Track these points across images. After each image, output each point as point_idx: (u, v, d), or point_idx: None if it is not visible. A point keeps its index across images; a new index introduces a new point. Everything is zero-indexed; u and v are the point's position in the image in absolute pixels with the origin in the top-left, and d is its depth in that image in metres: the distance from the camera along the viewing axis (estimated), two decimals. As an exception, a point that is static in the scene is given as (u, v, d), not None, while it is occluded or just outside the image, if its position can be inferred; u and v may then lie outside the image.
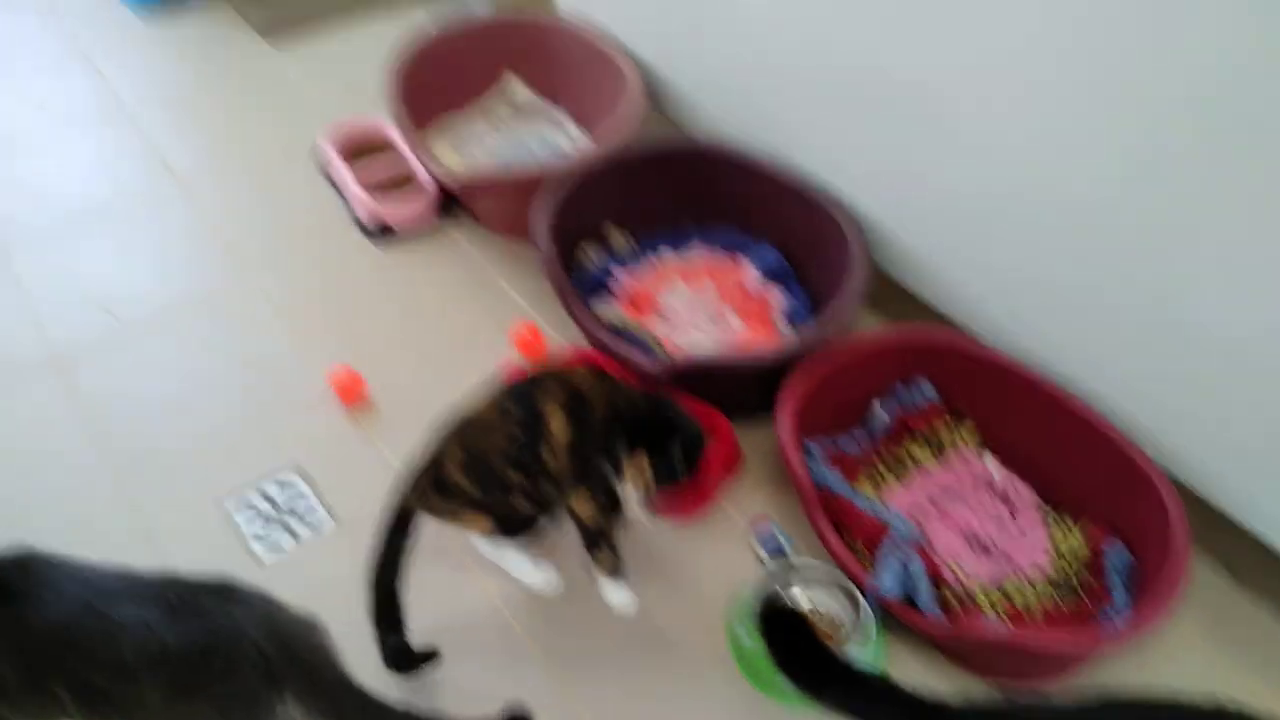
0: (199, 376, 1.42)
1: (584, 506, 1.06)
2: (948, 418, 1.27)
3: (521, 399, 1.03)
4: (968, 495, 1.21)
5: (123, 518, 1.24)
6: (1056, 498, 1.20)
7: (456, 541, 1.16)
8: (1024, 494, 1.20)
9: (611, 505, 1.06)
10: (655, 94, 1.66)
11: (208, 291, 1.54)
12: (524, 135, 1.74)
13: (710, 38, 1.51)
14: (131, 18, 2.12)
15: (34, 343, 1.46)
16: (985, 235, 1.23)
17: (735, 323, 1.42)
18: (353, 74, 1.93)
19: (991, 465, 1.23)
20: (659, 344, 1.38)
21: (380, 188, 1.63)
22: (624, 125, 1.54)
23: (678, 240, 1.52)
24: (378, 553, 1.04)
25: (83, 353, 1.44)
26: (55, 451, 1.32)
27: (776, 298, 1.44)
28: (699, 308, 1.44)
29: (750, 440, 1.28)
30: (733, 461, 1.26)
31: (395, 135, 1.70)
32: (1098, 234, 1.09)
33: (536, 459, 1.02)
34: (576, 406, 1.02)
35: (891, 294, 1.40)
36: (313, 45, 2.04)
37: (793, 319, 1.42)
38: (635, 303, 1.45)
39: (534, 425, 1.01)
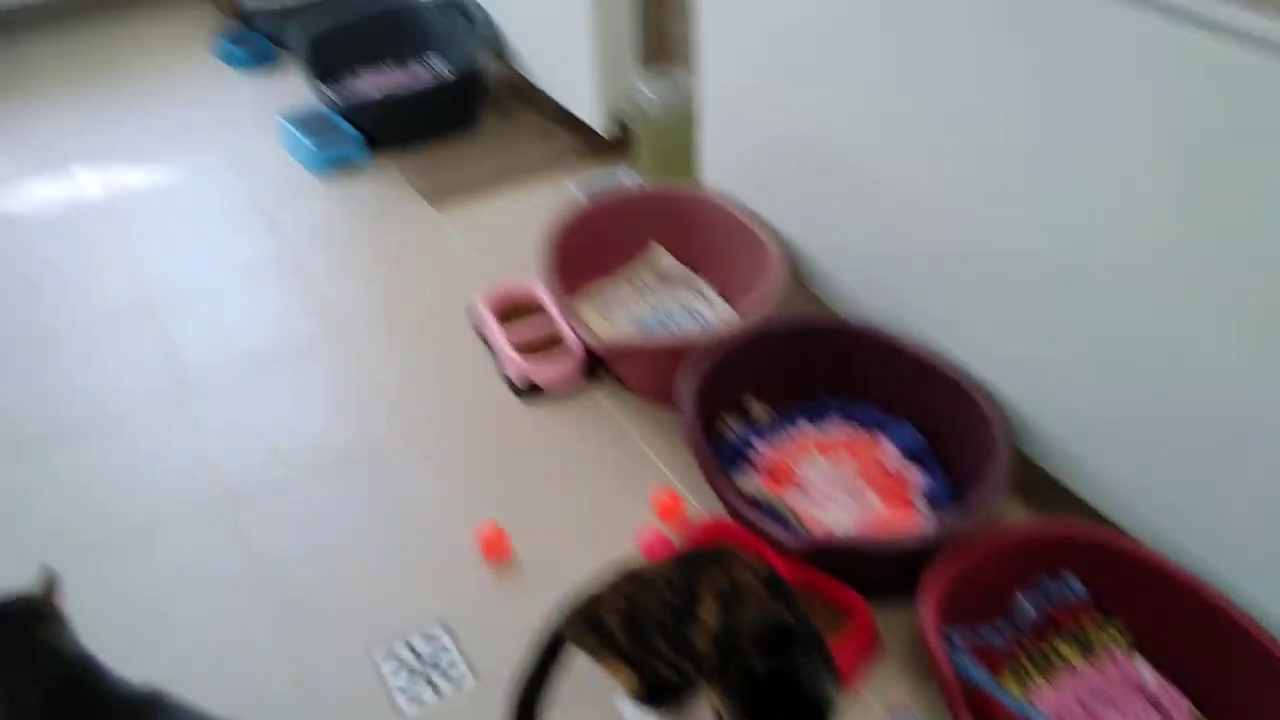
0: (353, 523, 1.49)
1: (721, 703, 1.06)
2: (1096, 615, 1.24)
3: (686, 570, 1.05)
4: (1118, 699, 1.17)
5: (273, 657, 1.30)
6: (1213, 708, 1.15)
7: (597, 698, 1.17)
8: (1179, 702, 1.16)
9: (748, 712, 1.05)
10: (797, 268, 1.71)
11: (365, 440, 1.63)
12: (668, 304, 1.81)
13: (851, 217, 1.57)
14: (309, 178, 2.31)
15: (207, 481, 1.56)
16: (1137, 431, 1.22)
17: (874, 500, 1.43)
18: (507, 238, 2.06)
19: (1143, 669, 1.19)
20: (797, 518, 1.39)
21: (530, 348, 1.72)
22: (766, 299, 1.60)
23: (816, 414, 1.55)
24: (525, 672, 1.07)
25: (250, 494, 1.54)
26: (216, 588, 1.40)
27: (916, 477, 1.45)
28: (837, 482, 1.45)
29: (888, 623, 1.27)
30: (870, 646, 1.25)
31: (546, 299, 1.79)
32: (1261, 425, 1.08)
33: (683, 636, 1.04)
34: (733, 601, 1.03)
35: (1037, 481, 1.39)
36: (472, 209, 2.18)
37: (932, 500, 1.42)
38: (774, 474, 1.48)
39: (687, 603, 1.03)
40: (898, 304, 1.54)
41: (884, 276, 1.55)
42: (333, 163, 2.32)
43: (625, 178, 2.11)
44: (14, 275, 2.02)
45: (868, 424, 1.53)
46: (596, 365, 1.71)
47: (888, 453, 1.48)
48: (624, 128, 2.18)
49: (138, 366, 1.79)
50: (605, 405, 1.67)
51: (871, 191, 1.50)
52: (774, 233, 1.72)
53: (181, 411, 1.69)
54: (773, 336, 1.56)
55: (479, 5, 2.49)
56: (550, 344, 1.73)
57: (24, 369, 1.80)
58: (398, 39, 2.63)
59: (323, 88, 2.40)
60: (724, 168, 1.83)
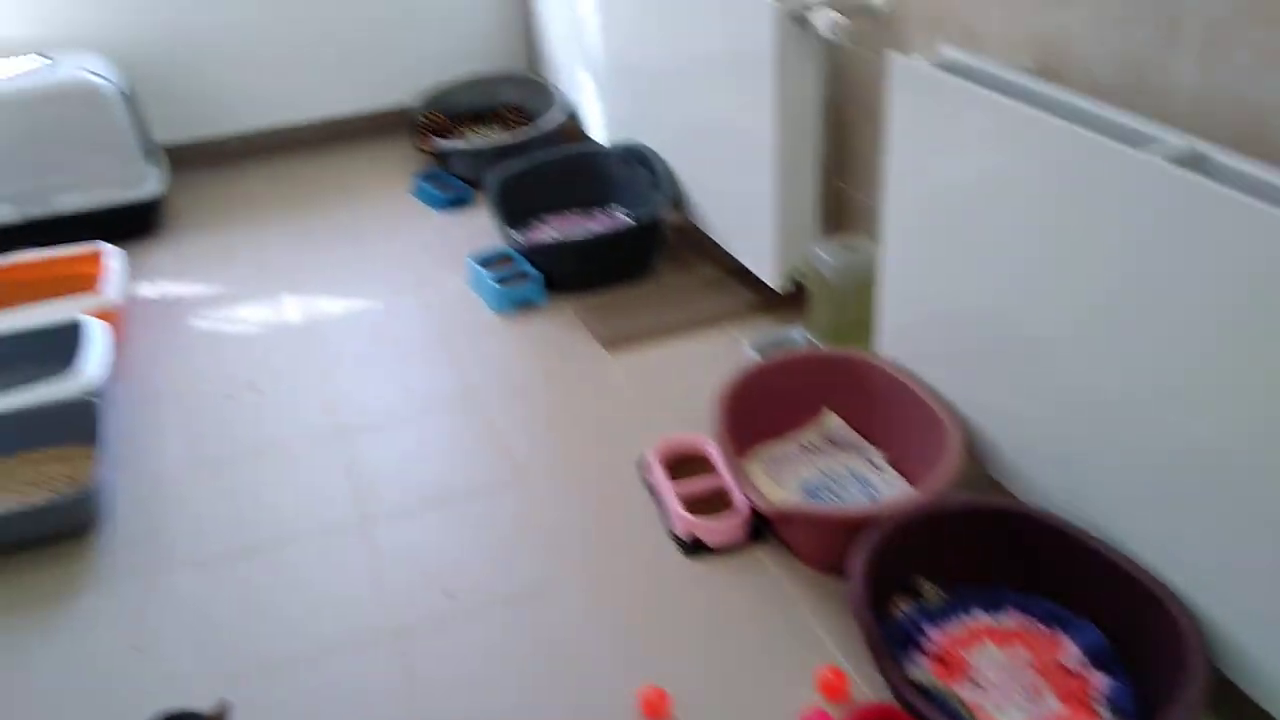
0: (516, 670, 1.51)
1: None
2: None
3: None
4: None
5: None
6: None
7: None
8: None
9: None
10: (974, 446, 1.69)
11: (532, 585, 1.66)
12: (838, 469, 1.81)
13: (1034, 400, 1.54)
14: (491, 316, 2.42)
15: (381, 613, 1.62)
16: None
17: (1052, 702, 1.36)
18: (677, 387, 2.10)
19: None
20: (969, 713, 1.34)
21: (697, 505, 1.73)
22: (942, 476, 1.58)
23: (991, 603, 1.51)
24: None
25: (418, 629, 1.58)
26: (384, 725, 1.44)
27: (1098, 681, 1.38)
28: (1012, 678, 1.40)
29: (1067, 842, 1.20)
30: None
31: (715, 455, 1.82)
32: None
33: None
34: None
35: (1232, 698, 1.30)
36: (644, 355, 2.24)
37: (1115, 707, 1.34)
38: (944, 661, 1.43)
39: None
40: (1082, 494, 1.49)
41: (1068, 464, 1.51)
42: (514, 303, 2.43)
43: (798, 337, 2.14)
44: (221, 395, 2.18)
45: (1046, 619, 1.47)
46: (762, 526, 1.71)
47: (1068, 652, 1.42)
48: (798, 285, 2.22)
49: (323, 490, 1.89)
50: (771, 569, 1.66)
51: (1056, 376, 1.48)
52: (951, 408, 1.71)
53: (360, 539, 1.77)
54: (947, 516, 1.53)
55: (660, 158, 2.61)
56: (717, 501, 1.75)
57: (224, 486, 1.92)
58: (582, 186, 2.77)
59: (509, 230, 2.54)
60: (902, 338, 1.83)
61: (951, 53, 1.60)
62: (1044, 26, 1.57)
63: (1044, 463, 1.56)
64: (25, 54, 2.86)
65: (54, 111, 2.66)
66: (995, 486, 1.68)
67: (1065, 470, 1.52)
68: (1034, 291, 1.49)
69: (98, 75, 2.72)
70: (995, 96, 1.44)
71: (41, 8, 2.94)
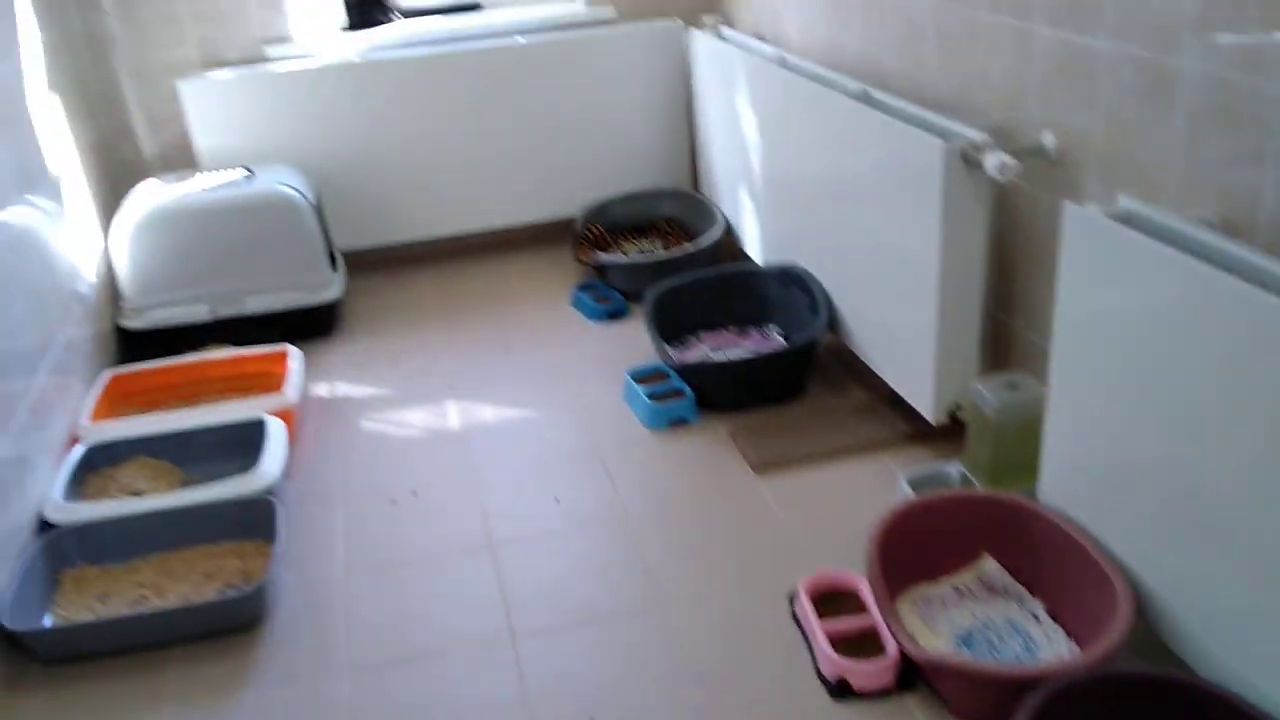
0: (658, 807, 1.50)
1: None
2: None
3: None
4: None
5: None
6: None
7: None
8: None
9: None
10: (1143, 607, 1.61)
11: (673, 717, 1.65)
12: (995, 618, 1.75)
13: (1216, 565, 1.46)
14: (644, 432, 2.46)
15: (526, 734, 1.64)
16: None
17: None
18: (828, 517, 2.09)
19: None
20: None
21: (845, 643, 1.70)
22: (1110, 639, 1.50)
23: (1164, 780, 1.42)
24: None
25: (564, 755, 1.60)
26: None
27: None
28: None
29: None
30: None
31: (867, 595, 1.78)
32: None
33: None
34: None
35: None
36: (793, 480, 2.23)
37: None
38: (1110, 843, 1.35)
39: None
40: (1265, 671, 1.40)
41: (1251, 637, 1.42)
42: (667, 419, 2.46)
43: (954, 472, 2.09)
44: (385, 499, 2.27)
45: (1226, 805, 1.38)
46: (912, 672, 1.66)
47: (1250, 845, 1.32)
48: (955, 418, 2.18)
49: (475, 601, 1.94)
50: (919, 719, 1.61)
51: (1238, 540, 1.40)
52: (1118, 562, 1.64)
53: (508, 654, 1.80)
54: (1116, 683, 1.46)
55: (817, 281, 2.63)
56: (867, 642, 1.71)
57: (383, 591, 1.99)
58: (738, 305, 2.81)
59: (664, 346, 2.59)
60: (1067, 484, 1.77)
61: (1129, 203, 1.58)
62: (1231, 181, 1.53)
63: (1223, 633, 1.48)
64: (231, 167, 3.12)
65: (253, 221, 2.89)
66: (1165, 652, 1.59)
67: (1247, 643, 1.43)
68: (1215, 450, 1.42)
69: (292, 188, 2.94)
70: (1176, 254, 1.41)
71: (245, 126, 3.21)
